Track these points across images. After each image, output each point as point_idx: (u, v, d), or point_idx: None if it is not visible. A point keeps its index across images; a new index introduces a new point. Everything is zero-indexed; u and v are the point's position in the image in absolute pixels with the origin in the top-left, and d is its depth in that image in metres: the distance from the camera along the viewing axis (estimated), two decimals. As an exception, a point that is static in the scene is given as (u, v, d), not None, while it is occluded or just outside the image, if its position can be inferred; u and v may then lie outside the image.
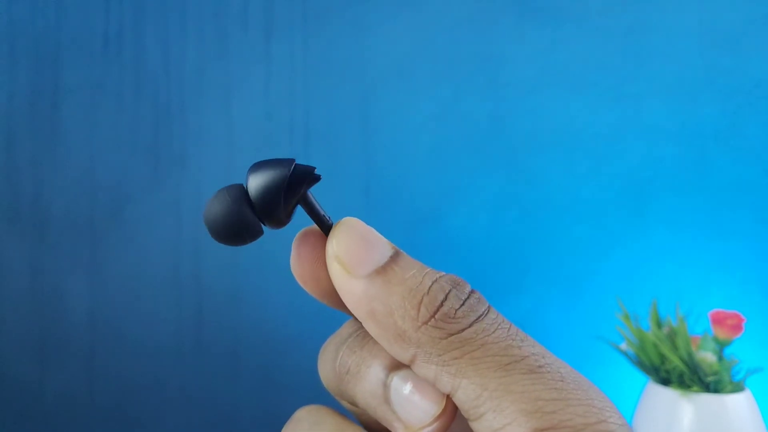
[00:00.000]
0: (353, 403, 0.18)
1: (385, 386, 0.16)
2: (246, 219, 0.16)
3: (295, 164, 0.16)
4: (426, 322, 0.15)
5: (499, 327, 0.15)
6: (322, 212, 0.17)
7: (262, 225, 0.17)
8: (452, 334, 0.15)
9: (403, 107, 0.74)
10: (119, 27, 0.77)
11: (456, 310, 0.15)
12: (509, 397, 0.14)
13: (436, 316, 0.15)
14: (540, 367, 0.14)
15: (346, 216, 0.17)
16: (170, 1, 0.76)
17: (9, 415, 0.78)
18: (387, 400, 0.16)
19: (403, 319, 0.15)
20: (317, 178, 0.17)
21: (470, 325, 0.15)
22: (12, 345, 0.77)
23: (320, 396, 0.19)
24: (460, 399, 0.15)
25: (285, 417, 0.18)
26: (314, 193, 0.17)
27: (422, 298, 0.15)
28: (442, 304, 0.15)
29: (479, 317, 0.15)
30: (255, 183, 0.16)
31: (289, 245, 0.17)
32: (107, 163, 0.77)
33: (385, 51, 0.75)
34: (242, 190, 0.17)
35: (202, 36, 0.77)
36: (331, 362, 0.18)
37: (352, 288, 0.16)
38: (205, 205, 0.17)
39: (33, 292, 0.78)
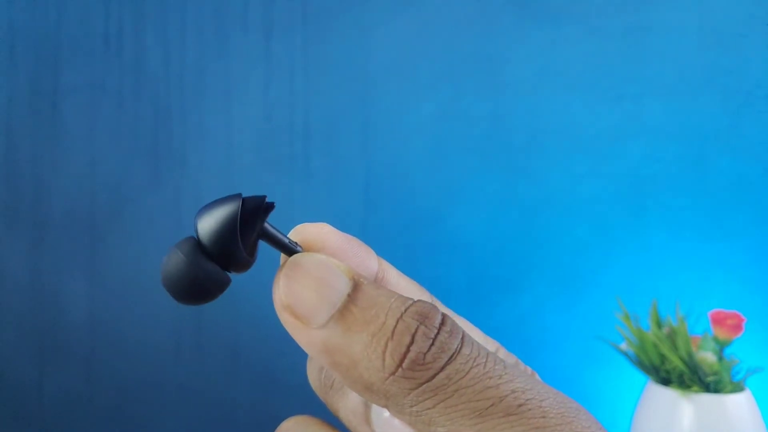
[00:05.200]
0: (338, 416, 0.18)
1: (366, 406, 0.16)
2: (207, 272, 0.14)
3: (243, 198, 0.15)
4: (393, 373, 0.13)
5: (475, 364, 0.14)
6: (287, 240, 0.16)
7: (227, 273, 0.15)
8: (423, 383, 0.13)
9: (403, 107, 0.74)
10: (119, 27, 0.77)
11: (425, 354, 0.13)
12: None
13: (404, 365, 0.13)
14: (519, 406, 0.13)
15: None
16: (170, 1, 0.76)
17: (8, 415, 0.77)
18: (367, 420, 0.16)
19: (368, 371, 0.14)
20: (271, 207, 0.15)
21: (442, 369, 0.13)
22: (12, 345, 0.77)
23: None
24: None
25: (284, 417, 0.18)
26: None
27: (386, 345, 0.14)
28: (408, 350, 0.13)
29: (451, 357, 0.14)
30: (205, 230, 0.15)
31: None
32: (107, 164, 0.77)
33: (385, 51, 0.75)
34: (193, 241, 0.15)
35: (202, 36, 0.77)
36: (318, 373, 0.17)
37: (309, 340, 0.14)
38: (161, 268, 0.15)
39: (33, 292, 0.77)
